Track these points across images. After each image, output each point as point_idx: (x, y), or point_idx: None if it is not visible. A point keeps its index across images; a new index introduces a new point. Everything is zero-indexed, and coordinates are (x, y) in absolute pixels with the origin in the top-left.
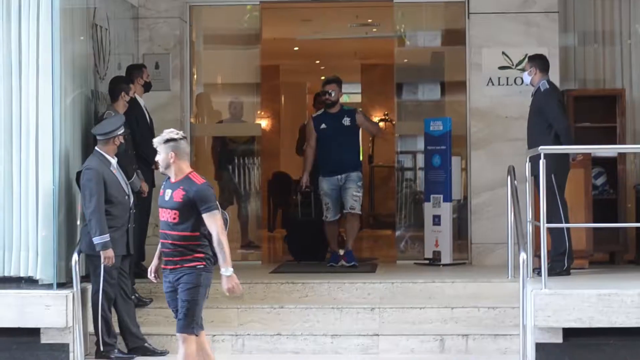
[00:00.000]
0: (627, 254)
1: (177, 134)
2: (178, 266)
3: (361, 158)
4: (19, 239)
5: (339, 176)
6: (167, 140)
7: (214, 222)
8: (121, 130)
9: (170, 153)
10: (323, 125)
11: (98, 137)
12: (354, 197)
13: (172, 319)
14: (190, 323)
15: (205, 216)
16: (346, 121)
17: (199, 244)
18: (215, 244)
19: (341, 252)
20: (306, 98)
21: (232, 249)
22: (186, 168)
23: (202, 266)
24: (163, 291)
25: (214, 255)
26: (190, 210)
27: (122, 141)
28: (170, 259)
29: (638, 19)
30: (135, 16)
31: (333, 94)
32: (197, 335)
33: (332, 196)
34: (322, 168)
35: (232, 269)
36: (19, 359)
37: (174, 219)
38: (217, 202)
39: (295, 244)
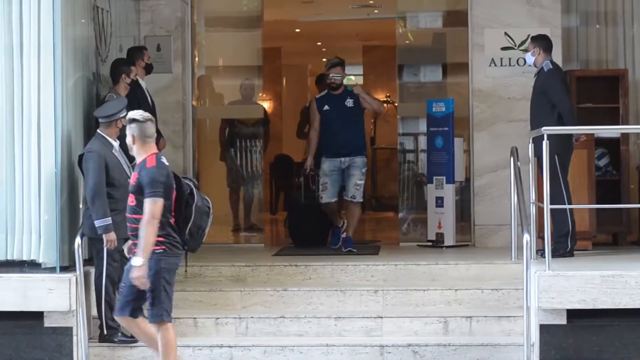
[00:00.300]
0: (630, 235)
1: (141, 115)
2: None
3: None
4: (21, 222)
5: (343, 159)
6: (130, 122)
7: (148, 207)
8: (123, 113)
9: (131, 134)
10: (326, 107)
11: (100, 120)
12: (357, 186)
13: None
14: (158, 311)
15: (145, 200)
16: (349, 102)
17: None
18: (140, 228)
19: (344, 235)
20: (308, 80)
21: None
22: (148, 150)
23: (161, 250)
24: None
25: (183, 239)
26: (143, 194)
27: (125, 124)
28: (134, 242)
29: None
30: None
31: (338, 78)
32: (169, 322)
33: (332, 177)
34: (325, 150)
35: (143, 260)
36: (22, 342)
37: (132, 202)
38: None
39: (296, 228)
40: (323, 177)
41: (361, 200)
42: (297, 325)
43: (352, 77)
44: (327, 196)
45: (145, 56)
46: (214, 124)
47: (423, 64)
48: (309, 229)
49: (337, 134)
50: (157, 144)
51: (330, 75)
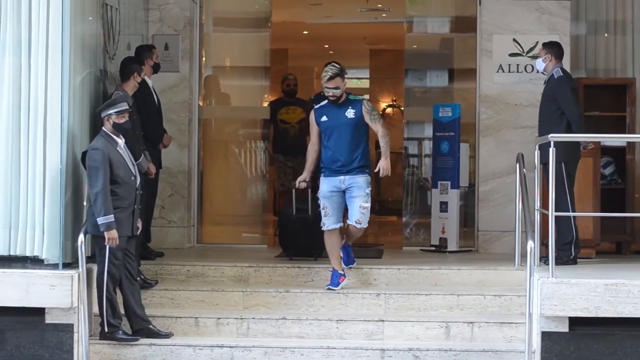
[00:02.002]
0: (634, 244)
1: None
2: None
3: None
4: (25, 218)
5: (342, 177)
6: None
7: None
8: (116, 110)
9: None
10: (324, 118)
11: (101, 115)
12: (362, 209)
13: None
14: None
15: None
16: (350, 113)
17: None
18: None
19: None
20: (314, 83)
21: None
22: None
23: None
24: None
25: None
26: None
27: (119, 122)
28: None
29: None
30: None
31: (338, 91)
32: None
33: (333, 200)
34: (323, 167)
35: None
36: (23, 338)
37: None
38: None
39: (287, 241)
40: (323, 201)
41: (366, 226)
42: (298, 327)
43: (358, 82)
44: (331, 222)
45: (154, 55)
46: (219, 123)
47: (430, 68)
48: (301, 242)
49: (335, 149)
50: (162, 140)
51: (328, 89)
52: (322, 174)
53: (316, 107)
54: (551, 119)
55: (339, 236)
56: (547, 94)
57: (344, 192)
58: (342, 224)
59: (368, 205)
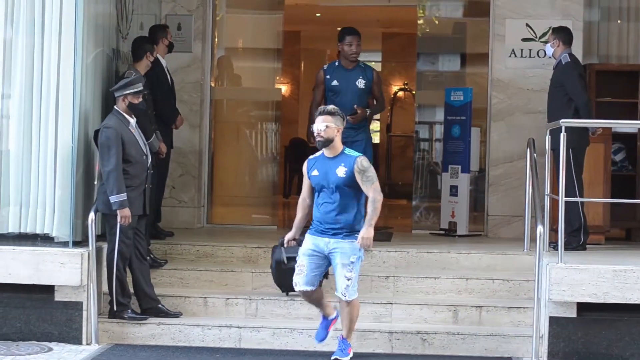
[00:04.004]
0: None
1: None
2: None
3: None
4: (36, 196)
5: (327, 239)
6: None
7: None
8: (134, 90)
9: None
10: (315, 172)
11: (115, 94)
12: (346, 281)
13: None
14: None
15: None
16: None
17: None
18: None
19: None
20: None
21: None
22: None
23: None
24: None
25: None
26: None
27: (134, 102)
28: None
29: None
30: None
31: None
32: None
33: (312, 260)
34: (312, 223)
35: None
36: (33, 315)
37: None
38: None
39: (281, 282)
40: (301, 258)
41: (351, 299)
42: (306, 308)
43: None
44: (303, 282)
45: (169, 34)
46: (231, 105)
47: (442, 52)
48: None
49: (324, 206)
50: (175, 121)
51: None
52: (308, 231)
53: (310, 158)
54: (559, 104)
55: (320, 292)
56: (555, 79)
57: (327, 256)
58: (314, 288)
59: (352, 274)
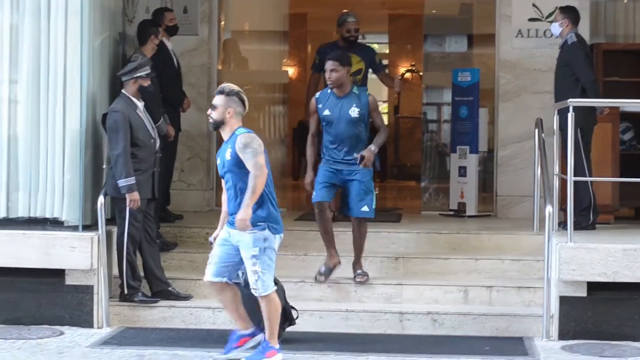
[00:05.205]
0: None
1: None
2: None
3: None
4: (45, 180)
5: (231, 230)
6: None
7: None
8: (143, 72)
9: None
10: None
11: (123, 78)
12: (253, 275)
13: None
14: None
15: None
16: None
17: None
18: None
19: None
20: None
21: None
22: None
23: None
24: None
25: None
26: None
27: (144, 84)
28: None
29: None
30: None
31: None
32: None
33: (223, 250)
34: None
35: None
36: (44, 299)
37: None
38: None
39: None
40: (215, 247)
41: (264, 293)
42: (317, 290)
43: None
44: (210, 272)
45: (167, 18)
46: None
47: (449, 34)
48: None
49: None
50: (182, 104)
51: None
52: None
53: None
54: (566, 84)
55: (233, 290)
56: (562, 59)
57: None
58: (224, 281)
59: (258, 268)
